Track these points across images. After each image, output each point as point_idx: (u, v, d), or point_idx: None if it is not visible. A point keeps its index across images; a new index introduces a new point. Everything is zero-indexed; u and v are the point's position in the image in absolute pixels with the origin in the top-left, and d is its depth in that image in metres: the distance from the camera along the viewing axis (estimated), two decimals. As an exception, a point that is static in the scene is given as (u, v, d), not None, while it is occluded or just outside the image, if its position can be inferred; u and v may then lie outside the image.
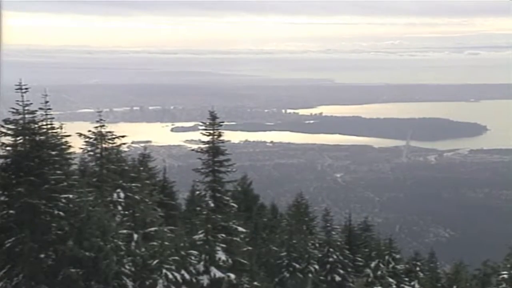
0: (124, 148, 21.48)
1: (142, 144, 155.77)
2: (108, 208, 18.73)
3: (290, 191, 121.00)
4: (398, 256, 28.84)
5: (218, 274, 18.89)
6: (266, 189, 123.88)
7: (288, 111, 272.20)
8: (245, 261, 20.40)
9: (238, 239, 20.49)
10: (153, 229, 19.35)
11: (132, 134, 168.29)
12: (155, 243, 17.97)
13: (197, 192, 22.73)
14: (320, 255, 29.22)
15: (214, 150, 21.97)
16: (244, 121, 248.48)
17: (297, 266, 27.04)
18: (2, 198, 15.05)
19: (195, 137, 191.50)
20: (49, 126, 15.78)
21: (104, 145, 20.45)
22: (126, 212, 19.47)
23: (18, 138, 15.36)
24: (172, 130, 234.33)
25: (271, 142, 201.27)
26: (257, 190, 31.95)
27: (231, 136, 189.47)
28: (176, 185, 28.59)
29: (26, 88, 15.43)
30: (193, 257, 18.57)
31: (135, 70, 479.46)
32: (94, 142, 20.52)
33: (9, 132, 15.32)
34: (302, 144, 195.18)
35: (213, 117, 21.92)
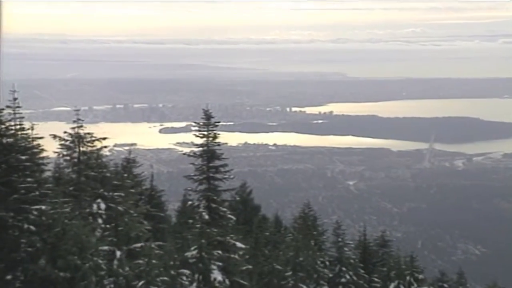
0: (105, 152, 21.42)
1: (127, 148, 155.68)
2: (87, 221, 18.69)
3: (296, 201, 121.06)
4: (421, 276, 28.72)
5: (214, 297, 18.83)
6: (269, 198, 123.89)
7: (294, 109, 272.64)
8: (244, 282, 20.36)
9: (236, 256, 20.45)
10: (138, 245, 19.29)
11: (115, 136, 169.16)
12: (140, 261, 17.91)
13: (190, 202, 22.70)
14: (331, 275, 29.13)
15: (209, 154, 21.94)
16: (243, 120, 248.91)
17: (305, 287, 26.97)
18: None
19: (187, 139, 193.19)
20: (18, 126, 15.73)
21: (82, 149, 20.40)
22: (108, 226, 19.42)
23: (-19, 141, 15.30)
24: (160, 131, 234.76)
25: (274, 145, 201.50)
26: (258, 200, 31.92)
27: (229, 138, 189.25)
28: (165, 194, 28.56)
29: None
30: (184, 277, 18.52)
31: (118, 62, 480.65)
32: (71, 145, 20.48)
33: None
34: (309, 147, 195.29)
35: (208, 116, 21.90)
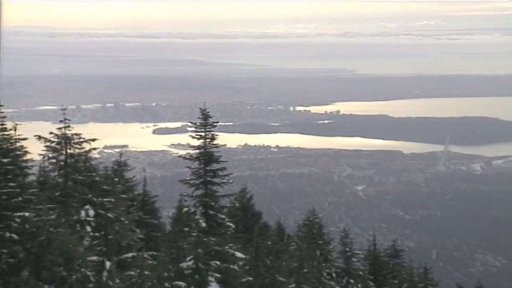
0: (94, 154, 21.43)
1: (117, 150, 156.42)
2: (74, 229, 18.68)
3: (300, 208, 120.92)
4: (435, 289, 28.69)
5: (211, 311, 18.82)
6: (271, 204, 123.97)
7: (298, 108, 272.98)
8: (244, 295, 20.35)
9: (235, 267, 20.43)
10: (130, 255, 19.27)
11: (105, 137, 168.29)
12: (132, 272, 17.87)
13: (185, 209, 22.68)
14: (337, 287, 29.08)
15: (207, 156, 21.96)
16: (243, 121, 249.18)
17: (310, 301, 26.92)
18: None
19: (183, 141, 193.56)
20: None
21: (69, 151, 20.41)
22: (97, 234, 19.41)
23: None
24: (154, 132, 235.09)
25: (277, 146, 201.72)
26: (259, 206, 31.89)
27: (228, 140, 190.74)
28: (159, 200, 28.51)
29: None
30: (179, 290, 18.48)
31: (108, 57, 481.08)
32: (57, 147, 20.48)
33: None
34: (314, 149, 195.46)
35: (205, 116, 21.92)
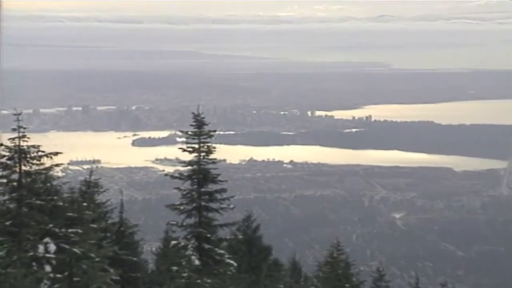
0: (57, 172, 21.45)
1: (87, 166, 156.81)
2: (30, 269, 18.65)
3: (321, 240, 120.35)
4: None
5: None
6: (283, 236, 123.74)
7: (318, 113, 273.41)
8: None
9: (238, 318, 20.34)
10: (101, 302, 19.22)
11: (71, 150, 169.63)
12: (104, 324, 17.81)
13: (173, 242, 22.64)
14: None
15: (201, 175, 21.93)
16: (247, 129, 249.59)
17: None
18: None
19: (171, 155, 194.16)
20: None
21: (24, 168, 20.42)
22: (59, 275, 19.37)
23: None
24: (134, 143, 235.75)
25: (291, 162, 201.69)
26: (267, 239, 31.81)
27: (228, 153, 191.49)
28: (139, 231, 28.50)
29: None
30: None
31: (74, 48, 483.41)
32: (9, 162, 20.49)
33: None
34: (339, 165, 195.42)
35: (200, 123, 21.90)
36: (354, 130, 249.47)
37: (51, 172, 20.99)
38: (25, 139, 20.53)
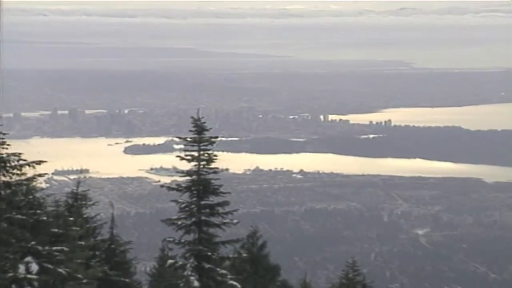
0: (40, 183, 21.44)
1: (74, 176, 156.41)
2: (10, 291, 18.63)
3: (334, 260, 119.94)
4: None
5: None
6: (292, 255, 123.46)
7: (331, 117, 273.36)
8: None
9: None
10: (90, 328, 19.20)
11: (56, 158, 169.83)
12: None
13: (170, 261, 22.62)
14: None
15: (201, 186, 21.91)
16: (253, 135, 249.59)
17: None
18: None
19: (167, 164, 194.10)
20: None
21: (4, 178, 20.43)
22: (42, 298, 19.36)
23: None
24: (126, 150, 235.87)
25: (301, 172, 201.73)
26: (275, 257, 31.75)
27: (232, 162, 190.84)
28: (132, 248, 28.51)
29: None
30: None
31: (62, 44, 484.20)
32: (-14, 172, 20.50)
33: None
34: (355, 175, 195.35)
35: (200, 128, 21.89)
36: (371, 136, 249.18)
37: (34, 183, 20.98)
38: (5, 146, 20.54)
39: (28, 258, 19.89)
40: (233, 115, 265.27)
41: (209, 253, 22.02)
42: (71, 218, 22.10)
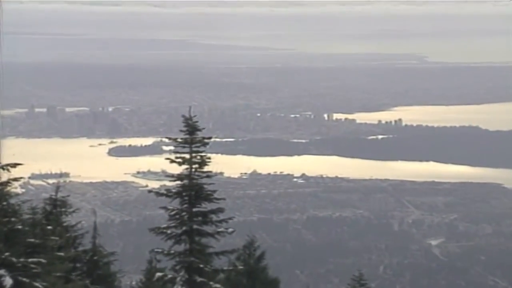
0: (15, 188, 21.42)
1: (52, 180, 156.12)
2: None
3: (339, 272, 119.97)
4: None
5: None
6: (293, 267, 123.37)
7: (336, 116, 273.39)
8: None
9: None
10: None
11: (33, 161, 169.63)
12: None
13: (158, 275, 22.61)
14: None
15: (193, 191, 21.89)
16: (250, 135, 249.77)
17: None
18: None
19: (155, 167, 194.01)
20: None
21: (-25, 182, 20.40)
22: (18, 315, 19.33)
23: None
24: (111, 152, 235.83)
25: (303, 176, 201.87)
26: (274, 270, 31.77)
27: (227, 165, 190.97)
28: (117, 260, 28.49)
29: None
30: None
31: (40, 36, 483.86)
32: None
33: None
34: (361, 180, 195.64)
35: (192, 128, 21.86)
36: (380, 137, 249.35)
37: (8, 188, 20.96)
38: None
39: (1, 271, 19.86)
40: (229, 113, 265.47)
41: (202, 266, 22.00)
42: (49, 227, 22.10)
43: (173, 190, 22.10)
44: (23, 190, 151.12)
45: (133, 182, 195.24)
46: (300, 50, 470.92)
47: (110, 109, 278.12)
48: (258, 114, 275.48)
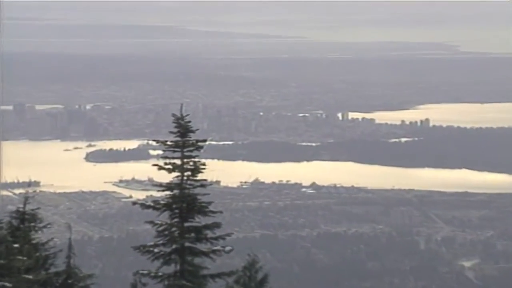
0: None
1: (20, 191, 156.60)
2: None
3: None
4: None
5: None
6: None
7: (352, 115, 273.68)
8: None
9: None
10: None
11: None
12: None
13: (144, 301, 22.61)
14: None
15: (184, 203, 21.88)
16: (251, 138, 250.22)
17: None
18: None
19: (141, 175, 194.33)
20: None
21: None
22: None
23: None
24: (89, 157, 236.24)
25: (313, 185, 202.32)
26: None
27: (225, 172, 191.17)
28: (96, 283, 28.49)
29: None
30: None
31: (4, 21, 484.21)
32: None
33: None
34: (382, 190, 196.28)
35: (183, 129, 21.85)
36: (403, 139, 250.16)
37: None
38: None
39: (-39, 296, 19.90)
40: (226, 112, 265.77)
41: (195, 290, 22.00)
42: (16, 245, 22.12)
43: (162, 202, 22.07)
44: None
45: (114, 192, 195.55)
46: (309, 38, 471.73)
47: (87, 106, 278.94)
48: (261, 113, 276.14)
